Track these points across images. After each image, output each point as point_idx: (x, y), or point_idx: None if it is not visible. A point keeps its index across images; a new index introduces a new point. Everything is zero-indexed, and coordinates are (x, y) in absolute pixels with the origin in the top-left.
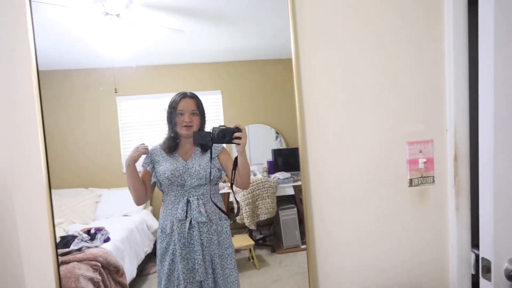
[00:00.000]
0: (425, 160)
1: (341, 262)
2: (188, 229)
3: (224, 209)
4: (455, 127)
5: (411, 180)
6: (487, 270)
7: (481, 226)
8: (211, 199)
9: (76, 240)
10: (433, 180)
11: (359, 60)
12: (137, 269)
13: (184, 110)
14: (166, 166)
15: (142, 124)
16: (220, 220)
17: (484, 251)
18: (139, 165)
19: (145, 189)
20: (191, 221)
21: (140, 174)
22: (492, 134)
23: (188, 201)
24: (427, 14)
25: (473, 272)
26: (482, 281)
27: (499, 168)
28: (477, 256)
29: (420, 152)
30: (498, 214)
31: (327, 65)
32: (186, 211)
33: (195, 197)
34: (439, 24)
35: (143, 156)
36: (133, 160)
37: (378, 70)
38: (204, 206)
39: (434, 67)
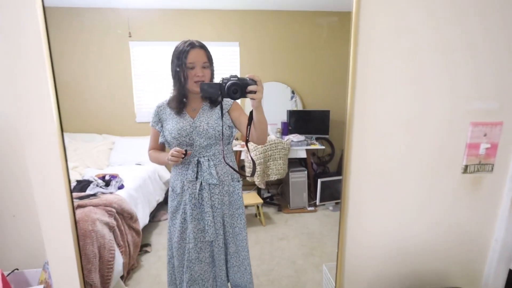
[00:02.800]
0: (488, 145)
1: (374, 238)
2: (199, 191)
3: (237, 168)
4: None
5: (466, 166)
6: None
7: None
8: (224, 160)
9: (91, 185)
10: (492, 169)
11: (426, 23)
12: (149, 216)
13: (195, 63)
14: (172, 125)
15: (155, 72)
16: (232, 181)
17: None
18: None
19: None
20: (201, 182)
21: (152, 135)
22: None
23: (198, 162)
24: None
25: None
26: None
27: None
28: None
29: (485, 135)
30: None
31: (388, 26)
32: (197, 172)
33: (206, 158)
34: None
35: (151, 115)
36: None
37: (448, 36)
38: (215, 168)
39: None
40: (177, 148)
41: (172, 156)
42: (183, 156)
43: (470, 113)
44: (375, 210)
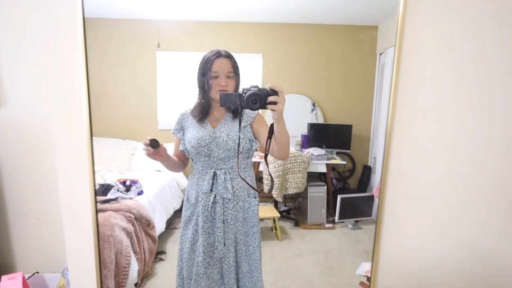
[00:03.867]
0: None
1: (408, 264)
2: (212, 203)
3: (254, 184)
4: None
5: None
6: None
7: None
8: (238, 173)
9: (113, 190)
10: None
11: (472, 41)
12: (166, 223)
13: (219, 72)
14: (193, 133)
15: (180, 81)
16: (248, 197)
17: None
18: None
19: (182, 164)
20: (215, 195)
21: (175, 143)
22: None
23: (215, 174)
24: None
25: None
26: None
27: None
28: None
29: None
30: None
31: (435, 43)
32: (212, 185)
33: (223, 170)
34: None
35: (173, 123)
36: (150, 156)
37: (493, 54)
38: (231, 182)
39: None
40: (148, 137)
41: (144, 144)
42: (149, 145)
43: None
44: (412, 237)
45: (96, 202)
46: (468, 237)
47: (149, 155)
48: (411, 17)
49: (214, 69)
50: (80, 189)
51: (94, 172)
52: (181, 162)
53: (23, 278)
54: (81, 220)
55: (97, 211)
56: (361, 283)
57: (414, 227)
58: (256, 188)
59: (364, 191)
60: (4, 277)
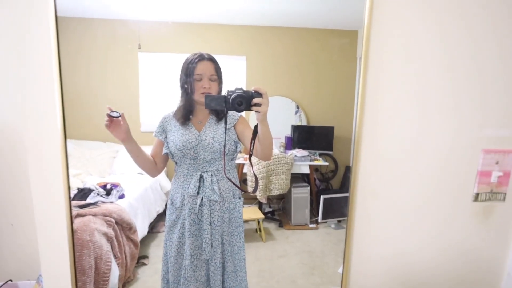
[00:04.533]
0: (501, 173)
1: (381, 262)
2: (199, 206)
3: (239, 185)
4: None
5: (477, 194)
6: None
7: None
8: (225, 175)
9: (92, 194)
10: (504, 198)
11: (437, 46)
12: (149, 227)
13: (203, 75)
14: (177, 136)
15: (162, 83)
16: (234, 198)
17: None
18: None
19: (154, 164)
20: (202, 198)
21: (153, 144)
22: None
23: (201, 177)
24: None
25: None
26: None
27: None
28: None
29: (497, 163)
30: None
31: (398, 50)
32: (199, 188)
33: (209, 173)
34: None
35: (155, 125)
36: (115, 134)
37: (459, 60)
38: (218, 184)
39: None
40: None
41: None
42: (110, 116)
43: (482, 140)
44: (383, 234)
45: (71, 206)
46: (434, 234)
47: (109, 127)
48: (376, 26)
49: (197, 72)
50: (54, 194)
51: (68, 176)
52: (154, 162)
53: None
54: (55, 226)
55: (72, 215)
56: (341, 283)
57: (386, 229)
58: (241, 187)
59: (347, 191)
60: None
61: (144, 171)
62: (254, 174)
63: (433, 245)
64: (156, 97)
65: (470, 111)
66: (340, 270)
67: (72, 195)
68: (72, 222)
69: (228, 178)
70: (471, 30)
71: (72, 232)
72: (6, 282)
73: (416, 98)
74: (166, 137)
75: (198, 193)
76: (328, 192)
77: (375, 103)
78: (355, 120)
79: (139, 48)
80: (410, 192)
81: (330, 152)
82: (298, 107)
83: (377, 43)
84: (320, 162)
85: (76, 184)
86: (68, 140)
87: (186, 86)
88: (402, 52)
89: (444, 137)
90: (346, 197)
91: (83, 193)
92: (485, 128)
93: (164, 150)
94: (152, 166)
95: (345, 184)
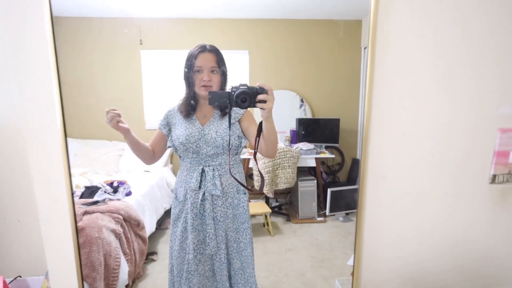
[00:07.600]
0: None
1: (392, 253)
2: (201, 201)
3: (244, 180)
4: None
5: (494, 176)
6: None
7: None
8: (229, 171)
9: (99, 192)
10: None
11: (452, 25)
12: (156, 223)
13: (202, 67)
14: (181, 130)
15: (166, 80)
16: (238, 194)
17: None
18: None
19: (152, 153)
20: (204, 192)
21: (154, 135)
22: None
23: (203, 171)
24: None
25: None
26: None
27: None
28: None
29: None
30: None
31: (410, 26)
32: (200, 182)
33: (211, 167)
34: None
35: (161, 118)
36: (116, 129)
37: (475, 38)
38: (220, 178)
39: None
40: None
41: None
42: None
43: (499, 119)
44: (394, 224)
45: (73, 202)
46: (456, 225)
47: (111, 122)
48: (384, 11)
49: (198, 64)
50: (56, 191)
51: (70, 172)
52: (151, 151)
53: (4, 282)
54: (59, 222)
55: (75, 211)
56: (352, 274)
57: (398, 218)
58: (246, 185)
59: (354, 184)
60: None
61: (140, 159)
62: (260, 172)
63: (447, 234)
64: (160, 95)
65: (486, 89)
66: (350, 262)
67: (79, 194)
68: (75, 218)
69: (233, 177)
70: (488, 7)
71: (76, 227)
72: (15, 279)
73: (428, 78)
74: (169, 130)
75: (200, 187)
76: (335, 185)
77: (383, 87)
78: (362, 110)
79: (141, 44)
80: (423, 177)
81: (336, 145)
82: (302, 100)
83: (385, 30)
84: (326, 155)
85: (83, 183)
86: (74, 140)
87: (188, 78)
88: (412, 38)
89: (459, 117)
90: (354, 190)
91: (91, 191)
92: (502, 106)
93: (169, 144)
94: (149, 154)
95: (352, 177)
